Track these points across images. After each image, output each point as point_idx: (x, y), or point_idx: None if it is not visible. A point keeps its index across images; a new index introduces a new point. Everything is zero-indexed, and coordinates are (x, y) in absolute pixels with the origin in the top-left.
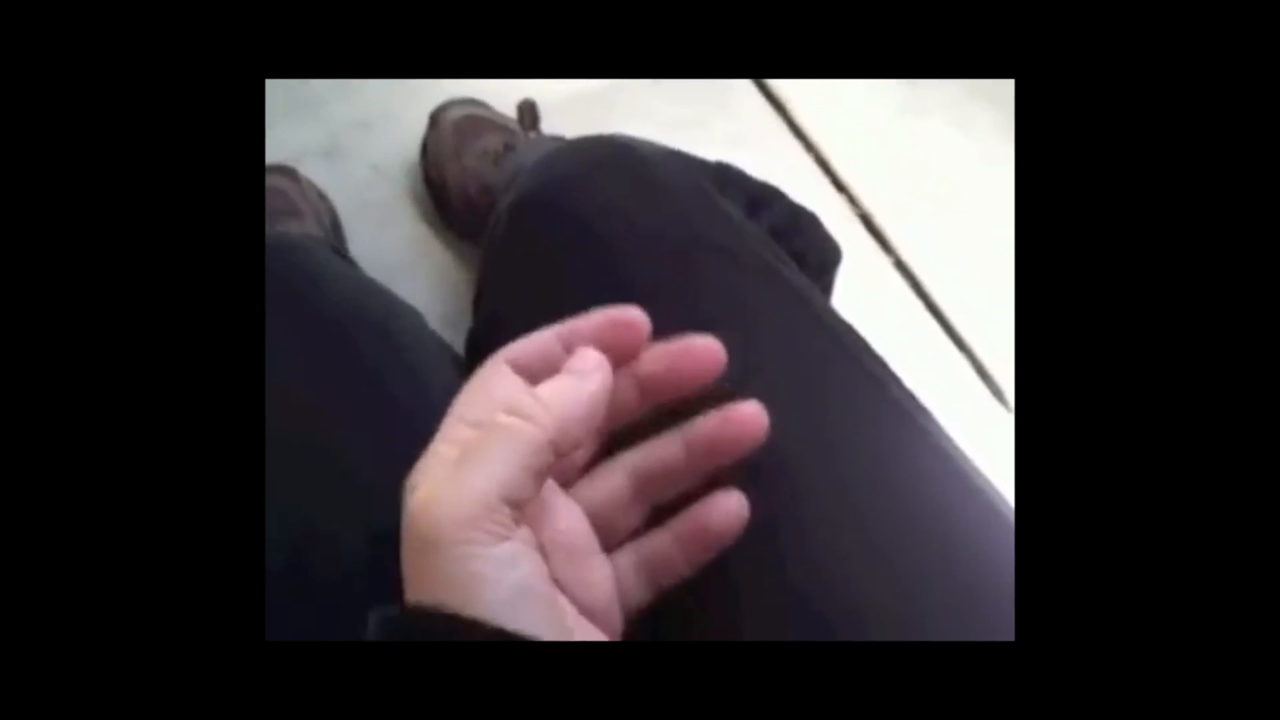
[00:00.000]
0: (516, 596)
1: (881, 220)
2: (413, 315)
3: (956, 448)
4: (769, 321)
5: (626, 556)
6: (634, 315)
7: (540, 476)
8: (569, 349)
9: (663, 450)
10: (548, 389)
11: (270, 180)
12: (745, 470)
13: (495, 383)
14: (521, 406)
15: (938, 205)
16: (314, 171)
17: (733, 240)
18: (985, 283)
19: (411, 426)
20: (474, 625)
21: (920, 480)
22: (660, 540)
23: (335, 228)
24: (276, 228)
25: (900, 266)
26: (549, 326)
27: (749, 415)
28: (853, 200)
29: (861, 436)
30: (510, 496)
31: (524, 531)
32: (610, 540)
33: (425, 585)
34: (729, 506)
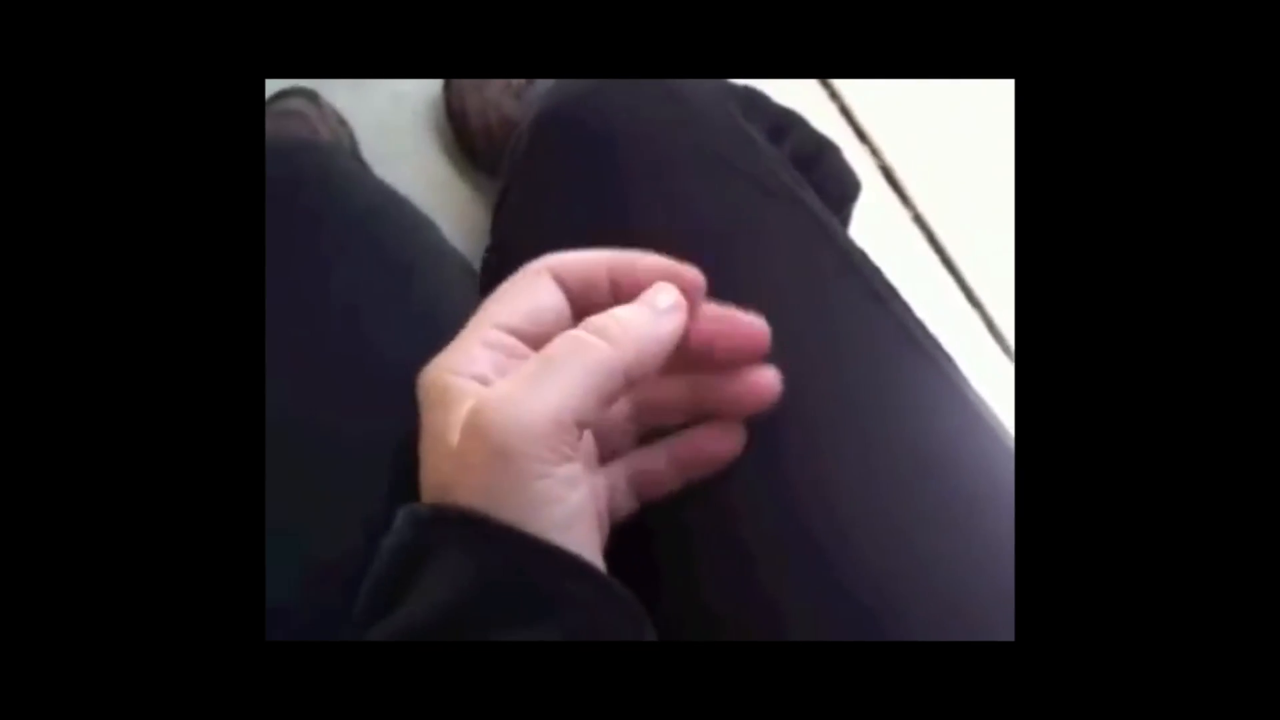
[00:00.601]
0: (572, 519)
1: (902, 174)
2: (431, 225)
3: (964, 379)
4: (793, 251)
5: (619, 469)
6: (695, 277)
7: (609, 402)
8: (616, 281)
9: (670, 388)
10: (629, 315)
11: (291, 103)
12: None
13: (536, 292)
14: (607, 329)
15: (958, 160)
16: (335, 95)
17: (758, 166)
18: (1002, 241)
19: (435, 331)
20: (549, 549)
21: (930, 413)
22: (653, 458)
23: (354, 153)
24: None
25: (919, 220)
26: (599, 250)
27: (765, 385)
28: (875, 151)
29: (879, 371)
30: (581, 418)
31: (580, 454)
32: (604, 455)
33: (478, 493)
34: (727, 443)
